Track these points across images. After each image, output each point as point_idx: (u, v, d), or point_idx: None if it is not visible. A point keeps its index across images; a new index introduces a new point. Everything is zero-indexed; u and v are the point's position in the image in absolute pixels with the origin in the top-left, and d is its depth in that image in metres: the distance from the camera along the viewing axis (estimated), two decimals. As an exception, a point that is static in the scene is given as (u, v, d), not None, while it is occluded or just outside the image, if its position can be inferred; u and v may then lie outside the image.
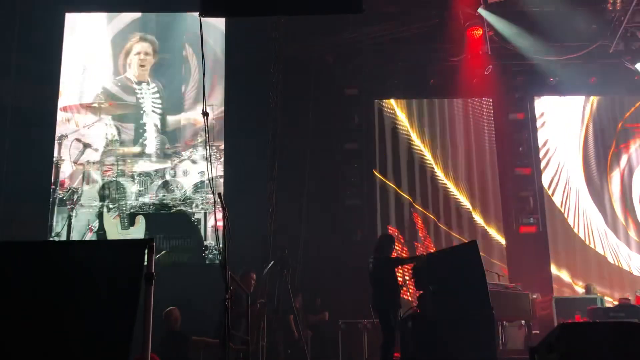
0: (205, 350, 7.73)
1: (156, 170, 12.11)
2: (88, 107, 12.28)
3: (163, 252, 11.04)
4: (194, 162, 12.17)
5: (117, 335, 3.36)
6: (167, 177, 12.08)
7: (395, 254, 8.80)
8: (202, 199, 11.83)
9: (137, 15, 12.83)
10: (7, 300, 3.49)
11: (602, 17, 12.18)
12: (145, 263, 3.70)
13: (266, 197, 10.75)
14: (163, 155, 12.23)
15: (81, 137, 12.06)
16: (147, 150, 12.21)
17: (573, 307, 10.26)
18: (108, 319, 3.43)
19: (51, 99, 12.05)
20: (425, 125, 13.26)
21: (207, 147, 5.58)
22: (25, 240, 4.27)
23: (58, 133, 12.01)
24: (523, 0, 12.02)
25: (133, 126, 12.34)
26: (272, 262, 8.81)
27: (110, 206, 11.77)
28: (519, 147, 12.98)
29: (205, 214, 11.77)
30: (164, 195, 11.91)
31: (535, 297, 10.68)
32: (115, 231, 11.63)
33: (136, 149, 12.23)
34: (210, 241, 11.53)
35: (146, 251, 3.69)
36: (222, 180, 11.78)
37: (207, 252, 11.54)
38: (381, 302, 7.81)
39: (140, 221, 11.71)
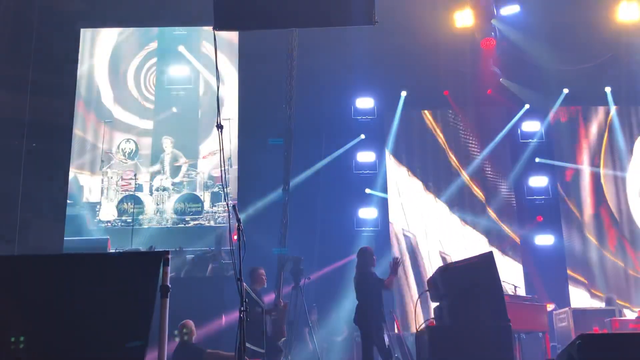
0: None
1: (174, 184, 12.20)
2: (108, 123, 12.42)
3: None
4: (210, 174, 12.27)
5: (131, 349, 3.34)
6: (185, 191, 12.16)
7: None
8: (220, 211, 11.92)
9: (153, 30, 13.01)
10: (22, 313, 3.48)
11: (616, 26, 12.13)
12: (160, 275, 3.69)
13: (280, 207, 10.76)
14: (180, 169, 12.32)
15: (106, 150, 12.28)
16: (165, 164, 12.31)
17: (591, 319, 10.12)
18: (122, 332, 3.41)
19: (67, 113, 12.18)
20: (440, 133, 13.24)
21: (222, 160, 5.54)
22: (42, 254, 4.29)
23: (85, 144, 12.23)
24: (536, 10, 12.01)
25: (151, 140, 12.45)
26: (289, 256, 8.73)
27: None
28: (534, 157, 12.88)
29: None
30: (182, 209, 11.99)
31: (552, 308, 10.55)
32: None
33: (155, 165, 12.34)
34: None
35: (161, 264, 3.66)
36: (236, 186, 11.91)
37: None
38: (365, 316, 7.79)
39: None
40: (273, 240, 10.35)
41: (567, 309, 10.66)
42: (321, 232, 11.93)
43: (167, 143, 12.44)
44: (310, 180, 12.26)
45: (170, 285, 3.65)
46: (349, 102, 12.97)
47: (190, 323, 7.78)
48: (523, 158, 12.92)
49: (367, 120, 13.00)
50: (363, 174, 12.78)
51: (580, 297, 12.16)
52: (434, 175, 13.06)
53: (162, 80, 12.81)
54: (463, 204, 12.85)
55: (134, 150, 12.38)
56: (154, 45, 13.00)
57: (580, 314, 10.34)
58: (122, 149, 12.37)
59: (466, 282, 7.16)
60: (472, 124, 13.31)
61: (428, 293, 7.92)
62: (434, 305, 7.85)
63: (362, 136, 12.88)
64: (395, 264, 8.01)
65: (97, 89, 12.67)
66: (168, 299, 3.61)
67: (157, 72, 12.82)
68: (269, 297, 9.65)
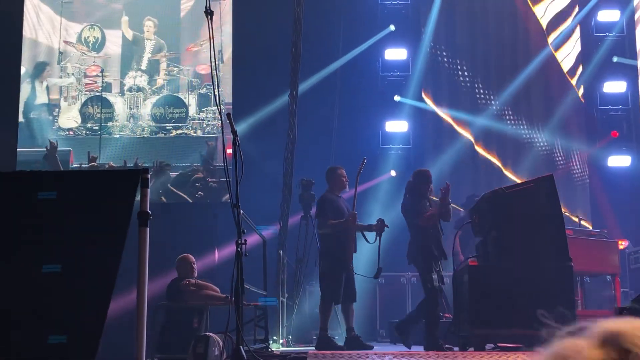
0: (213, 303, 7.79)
1: (151, 84, 12.14)
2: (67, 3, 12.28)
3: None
4: (197, 71, 12.20)
5: (99, 274, 3.41)
6: (165, 92, 12.11)
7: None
8: (210, 118, 11.93)
9: None
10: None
11: None
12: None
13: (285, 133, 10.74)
14: (159, 64, 12.23)
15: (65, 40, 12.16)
16: (140, 59, 12.21)
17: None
18: (92, 257, 3.47)
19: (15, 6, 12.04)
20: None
21: (212, 54, 5.49)
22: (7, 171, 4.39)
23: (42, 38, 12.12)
24: None
25: (121, 29, 12.30)
26: (364, 159, 8.67)
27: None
28: (611, 56, 12.65)
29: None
30: (161, 115, 12.00)
31: (625, 246, 10.62)
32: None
33: (126, 56, 12.23)
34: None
35: (139, 184, 3.67)
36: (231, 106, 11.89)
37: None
38: (419, 252, 7.82)
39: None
40: (277, 159, 10.37)
41: (643, 246, 10.76)
42: (337, 150, 11.91)
43: (149, 26, 12.26)
44: (324, 84, 12.13)
45: (150, 212, 3.69)
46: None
47: (190, 257, 7.75)
48: (597, 56, 12.69)
49: (398, 5, 12.73)
50: (392, 77, 12.64)
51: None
52: (483, 77, 12.94)
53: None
54: (518, 114, 12.78)
55: (99, 39, 12.23)
56: None
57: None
58: (84, 38, 12.22)
59: (519, 212, 7.20)
60: (532, 12, 13.06)
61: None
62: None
63: (392, 27, 12.64)
64: (445, 191, 7.83)
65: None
66: (148, 228, 3.66)
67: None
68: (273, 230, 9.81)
